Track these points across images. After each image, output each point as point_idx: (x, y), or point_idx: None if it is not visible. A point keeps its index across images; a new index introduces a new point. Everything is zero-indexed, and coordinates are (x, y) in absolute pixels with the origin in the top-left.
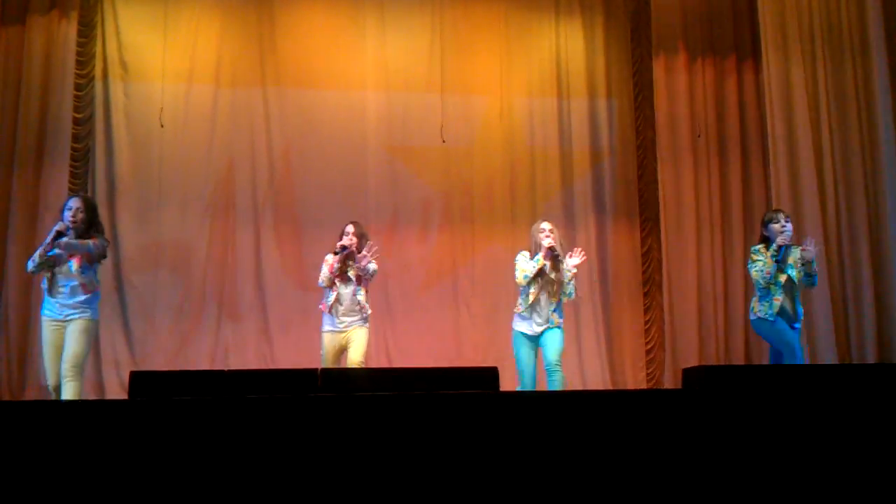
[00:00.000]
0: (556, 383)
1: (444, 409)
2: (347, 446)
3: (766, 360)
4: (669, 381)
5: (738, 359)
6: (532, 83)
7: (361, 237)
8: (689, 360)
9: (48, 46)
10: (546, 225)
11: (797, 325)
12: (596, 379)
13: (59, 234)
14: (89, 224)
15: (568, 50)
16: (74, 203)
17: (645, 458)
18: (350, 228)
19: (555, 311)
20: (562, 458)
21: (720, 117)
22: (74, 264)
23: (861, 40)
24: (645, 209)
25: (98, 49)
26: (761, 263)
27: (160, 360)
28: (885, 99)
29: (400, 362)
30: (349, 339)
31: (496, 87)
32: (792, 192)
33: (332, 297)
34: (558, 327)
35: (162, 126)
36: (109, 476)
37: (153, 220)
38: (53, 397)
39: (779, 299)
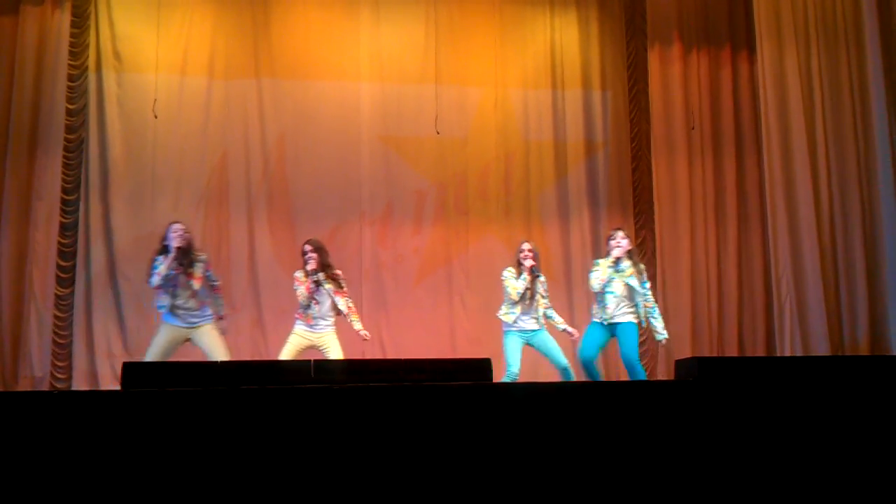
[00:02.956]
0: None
1: (437, 399)
2: (340, 437)
3: (759, 352)
4: (663, 373)
5: (732, 350)
6: (526, 74)
7: (320, 251)
8: (682, 351)
9: (41, 37)
10: (526, 245)
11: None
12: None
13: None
14: None
15: (562, 41)
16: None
17: (638, 449)
18: (307, 248)
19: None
20: (554, 448)
21: (715, 109)
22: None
23: (855, 31)
24: (639, 201)
25: (91, 39)
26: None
27: None
28: (878, 89)
29: (394, 353)
30: (324, 344)
31: (491, 78)
32: (786, 183)
33: (316, 309)
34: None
35: (156, 117)
36: (102, 466)
37: (147, 211)
38: None
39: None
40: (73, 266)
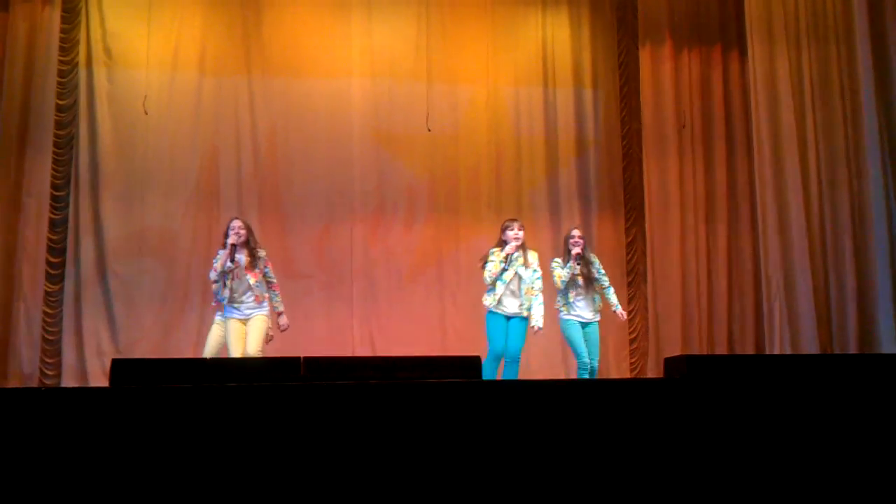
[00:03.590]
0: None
1: (427, 397)
2: (329, 434)
3: (749, 351)
4: (653, 371)
5: (721, 348)
6: (518, 72)
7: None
8: (672, 349)
9: (32, 32)
10: (575, 232)
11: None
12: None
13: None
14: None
15: (554, 39)
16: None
17: (627, 446)
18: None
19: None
20: (544, 446)
21: (705, 108)
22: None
23: (846, 30)
24: (630, 199)
25: (82, 35)
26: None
27: (144, 348)
28: (869, 89)
29: (384, 350)
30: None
31: (482, 75)
32: (776, 182)
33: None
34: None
35: (146, 113)
36: (91, 463)
37: (137, 207)
38: None
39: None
40: (63, 262)
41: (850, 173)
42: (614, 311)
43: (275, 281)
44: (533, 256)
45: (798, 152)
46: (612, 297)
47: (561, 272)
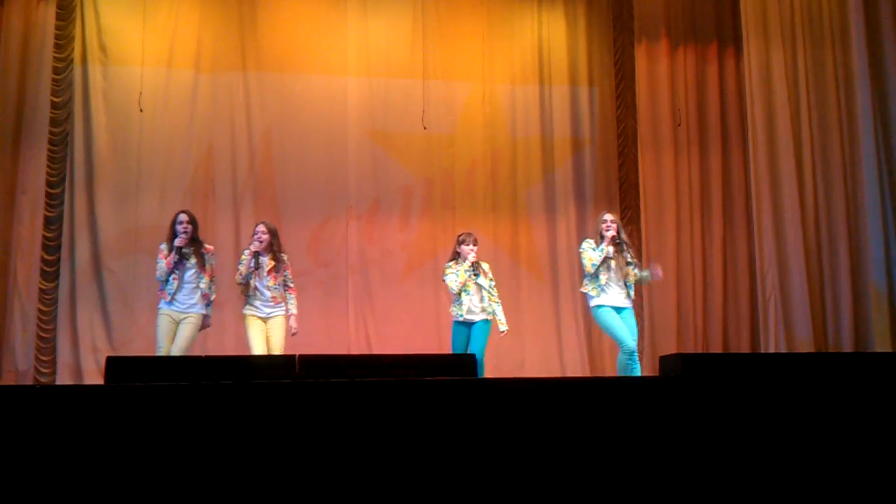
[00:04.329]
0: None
1: (422, 395)
2: (325, 432)
3: (744, 349)
4: (648, 369)
5: (716, 347)
6: (514, 70)
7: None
8: (667, 348)
9: (26, 29)
10: (608, 216)
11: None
12: (575, 366)
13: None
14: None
15: (550, 37)
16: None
17: (622, 444)
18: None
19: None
20: (539, 444)
21: (701, 105)
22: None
23: (841, 29)
24: (625, 197)
25: (77, 32)
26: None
27: (139, 346)
28: (864, 87)
29: (380, 349)
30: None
31: (478, 73)
32: (771, 180)
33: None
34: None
35: (141, 110)
36: (85, 460)
37: (132, 205)
38: None
39: None
40: (58, 260)
41: (845, 171)
42: (647, 278)
43: (292, 285)
44: (487, 266)
45: (793, 150)
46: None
47: (592, 254)
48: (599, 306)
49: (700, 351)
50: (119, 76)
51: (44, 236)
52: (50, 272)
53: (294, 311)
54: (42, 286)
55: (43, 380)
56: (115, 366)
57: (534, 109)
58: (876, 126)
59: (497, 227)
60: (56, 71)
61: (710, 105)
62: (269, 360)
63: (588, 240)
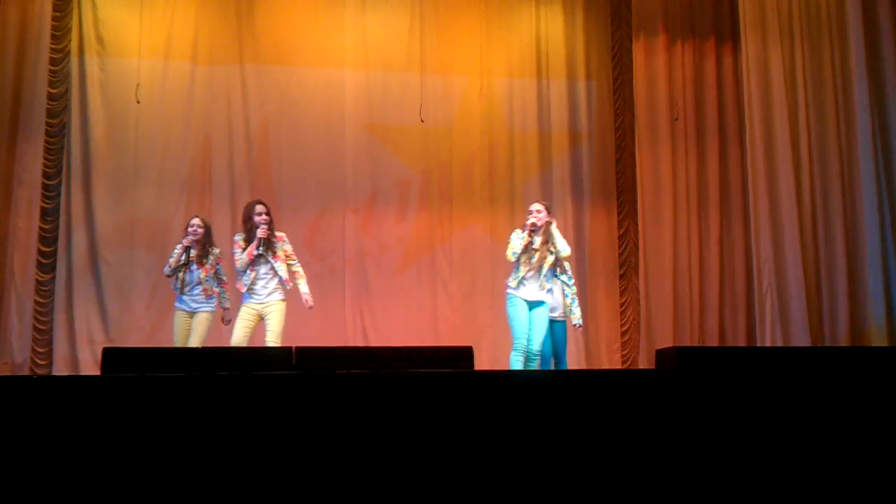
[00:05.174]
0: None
1: (419, 387)
2: (322, 424)
3: (740, 343)
4: (644, 363)
5: (713, 340)
6: (511, 64)
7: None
8: (664, 341)
9: (23, 20)
10: (535, 205)
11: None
12: (571, 359)
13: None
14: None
15: (548, 31)
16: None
17: (618, 437)
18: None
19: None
20: (535, 436)
21: (699, 100)
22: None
23: (839, 24)
24: (622, 192)
25: (74, 23)
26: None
27: (135, 338)
28: (861, 82)
29: (377, 341)
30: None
31: (476, 66)
32: (768, 175)
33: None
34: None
35: (138, 102)
36: (82, 451)
37: (129, 196)
38: None
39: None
40: (55, 252)
41: (841, 166)
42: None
43: (224, 278)
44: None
45: (790, 145)
46: (573, 304)
47: (514, 244)
48: (511, 296)
49: (697, 344)
50: (116, 68)
51: (40, 228)
52: (46, 264)
53: (226, 304)
54: (39, 278)
55: (39, 371)
56: (112, 357)
57: (531, 103)
58: (873, 121)
59: (494, 220)
60: (53, 62)
61: (707, 100)
62: (266, 352)
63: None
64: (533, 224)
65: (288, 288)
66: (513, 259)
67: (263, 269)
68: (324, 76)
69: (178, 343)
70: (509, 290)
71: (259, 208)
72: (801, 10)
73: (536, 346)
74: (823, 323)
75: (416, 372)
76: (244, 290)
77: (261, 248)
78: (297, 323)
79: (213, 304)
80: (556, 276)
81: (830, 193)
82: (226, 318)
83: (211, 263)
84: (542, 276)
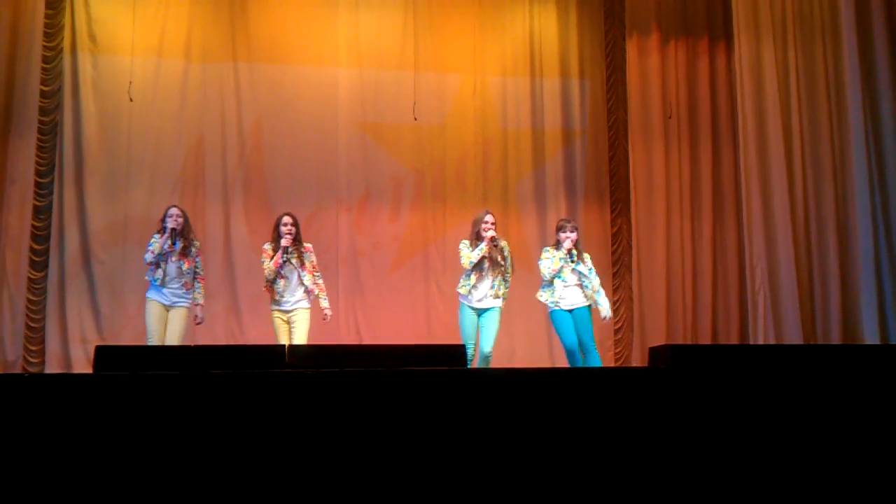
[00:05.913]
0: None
1: (412, 385)
2: (314, 422)
3: (733, 341)
4: (637, 361)
5: (706, 338)
6: (505, 62)
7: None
8: (657, 339)
9: (15, 18)
10: (489, 217)
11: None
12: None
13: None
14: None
15: (541, 29)
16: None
17: (611, 435)
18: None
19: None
20: (529, 435)
21: (692, 99)
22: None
23: (832, 23)
24: (615, 190)
25: (67, 21)
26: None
27: (128, 336)
28: (854, 82)
29: (370, 339)
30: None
31: (469, 65)
32: (761, 174)
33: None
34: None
35: (131, 100)
36: (74, 449)
37: (122, 194)
38: None
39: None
40: (47, 250)
41: (834, 165)
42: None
43: (202, 273)
44: (587, 257)
45: (783, 144)
46: (597, 295)
47: (470, 253)
48: (462, 305)
49: (689, 342)
50: (109, 65)
51: (33, 226)
52: (39, 262)
53: (201, 300)
54: (31, 276)
55: (32, 369)
56: (105, 355)
57: (525, 101)
58: (865, 121)
59: None
60: (45, 60)
61: (700, 99)
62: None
63: (465, 241)
64: (493, 237)
65: (312, 297)
66: (468, 267)
67: (291, 277)
68: (317, 74)
69: (154, 335)
70: (460, 299)
71: (286, 219)
72: (794, 9)
73: (487, 347)
74: (816, 321)
75: (409, 370)
76: (276, 296)
77: (284, 257)
78: None
79: (189, 300)
80: (574, 268)
81: (823, 192)
82: (198, 318)
83: (192, 256)
84: (494, 283)
